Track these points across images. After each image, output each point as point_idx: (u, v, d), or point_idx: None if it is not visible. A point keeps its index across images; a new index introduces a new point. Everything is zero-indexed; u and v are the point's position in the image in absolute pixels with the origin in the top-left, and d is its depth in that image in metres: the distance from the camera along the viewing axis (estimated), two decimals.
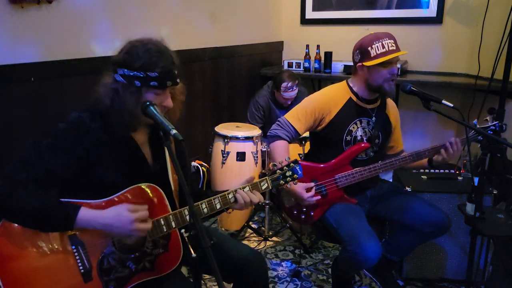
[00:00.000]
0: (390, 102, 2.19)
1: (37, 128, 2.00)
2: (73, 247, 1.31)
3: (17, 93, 1.93)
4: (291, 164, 1.51)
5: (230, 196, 1.46)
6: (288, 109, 3.24)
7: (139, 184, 1.37)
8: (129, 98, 1.30)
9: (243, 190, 1.47)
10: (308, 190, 1.95)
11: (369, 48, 1.92)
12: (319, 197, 1.98)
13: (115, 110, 1.31)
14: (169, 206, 1.41)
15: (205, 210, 1.43)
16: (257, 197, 1.49)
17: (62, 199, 1.30)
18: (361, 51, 1.96)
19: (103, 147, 1.34)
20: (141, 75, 1.30)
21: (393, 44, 1.92)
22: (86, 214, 1.27)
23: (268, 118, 3.27)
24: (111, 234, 1.31)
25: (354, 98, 2.06)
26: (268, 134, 2.12)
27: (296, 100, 3.23)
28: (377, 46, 1.91)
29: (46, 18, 2.00)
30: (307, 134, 2.20)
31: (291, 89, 3.07)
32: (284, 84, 3.06)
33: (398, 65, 2.00)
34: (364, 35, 2.00)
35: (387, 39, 1.92)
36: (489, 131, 1.94)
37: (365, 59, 1.94)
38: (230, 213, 1.54)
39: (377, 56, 1.91)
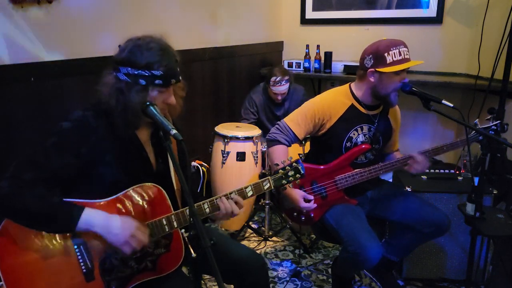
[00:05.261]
0: None
1: (37, 128, 2.00)
2: (76, 246, 1.31)
3: (17, 93, 1.93)
4: (294, 164, 1.50)
5: (232, 196, 1.45)
6: (281, 105, 3.25)
7: (142, 184, 1.37)
8: (134, 96, 1.30)
9: (245, 190, 1.46)
10: (306, 200, 1.93)
11: (386, 54, 1.86)
12: (315, 205, 1.97)
13: (120, 109, 1.31)
14: (171, 206, 1.41)
15: (207, 210, 1.43)
16: (237, 208, 1.45)
17: (66, 199, 1.30)
18: (376, 56, 1.89)
19: (107, 146, 1.34)
20: (146, 74, 1.30)
21: (407, 53, 1.89)
22: (90, 216, 1.26)
23: (263, 114, 3.27)
24: (108, 238, 1.28)
25: (356, 104, 2.03)
26: (267, 137, 2.11)
27: (289, 97, 3.23)
28: (394, 53, 1.85)
29: (46, 18, 2.00)
30: None
31: (279, 84, 3.05)
32: (273, 78, 3.05)
33: None
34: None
35: (402, 46, 1.88)
36: (490, 132, 1.94)
37: (379, 65, 1.88)
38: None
39: (394, 63, 1.86)
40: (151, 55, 1.30)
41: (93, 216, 1.27)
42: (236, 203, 1.45)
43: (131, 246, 1.28)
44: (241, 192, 1.46)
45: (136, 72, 1.30)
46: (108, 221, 1.28)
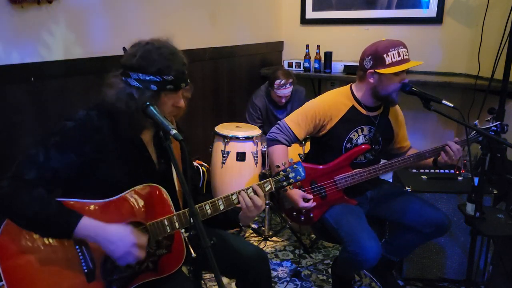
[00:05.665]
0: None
1: (37, 128, 2.00)
2: (77, 247, 1.31)
3: (17, 93, 1.93)
4: (294, 166, 1.51)
5: (234, 197, 1.45)
6: (283, 108, 3.24)
7: (143, 185, 1.37)
8: (146, 101, 1.30)
9: (247, 192, 1.46)
10: (306, 199, 1.93)
11: (385, 55, 1.86)
12: (314, 203, 1.97)
13: (130, 114, 1.31)
14: (172, 207, 1.41)
15: (209, 211, 1.42)
16: (261, 200, 1.46)
17: (65, 200, 1.30)
18: (375, 57, 1.88)
19: (110, 146, 1.34)
20: (158, 79, 1.30)
21: (407, 53, 1.89)
22: (87, 224, 1.25)
23: (266, 117, 3.26)
24: (105, 249, 1.27)
25: (357, 105, 2.03)
26: (267, 137, 2.11)
27: (292, 99, 3.23)
28: (393, 54, 1.85)
29: (46, 18, 2.00)
30: None
31: (284, 87, 3.04)
32: (277, 81, 3.03)
33: None
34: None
35: (402, 47, 1.88)
36: (490, 132, 1.94)
37: (378, 66, 1.88)
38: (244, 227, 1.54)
39: (393, 64, 1.86)
40: (162, 60, 1.30)
41: (90, 225, 1.26)
42: (255, 193, 1.45)
43: (127, 259, 1.27)
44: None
45: (147, 78, 1.30)
46: (106, 230, 1.26)
